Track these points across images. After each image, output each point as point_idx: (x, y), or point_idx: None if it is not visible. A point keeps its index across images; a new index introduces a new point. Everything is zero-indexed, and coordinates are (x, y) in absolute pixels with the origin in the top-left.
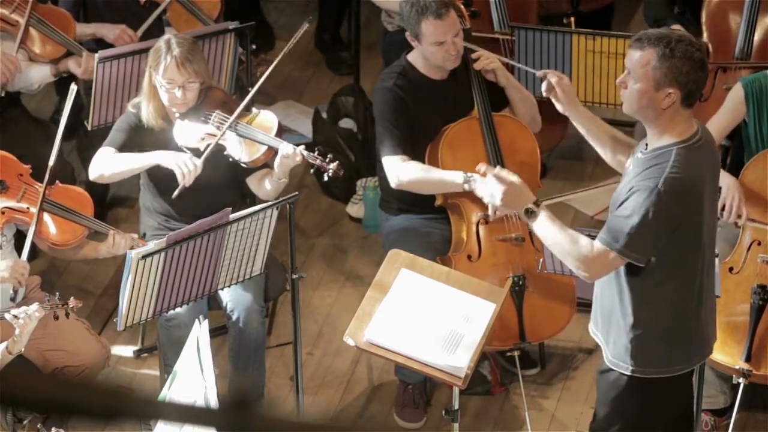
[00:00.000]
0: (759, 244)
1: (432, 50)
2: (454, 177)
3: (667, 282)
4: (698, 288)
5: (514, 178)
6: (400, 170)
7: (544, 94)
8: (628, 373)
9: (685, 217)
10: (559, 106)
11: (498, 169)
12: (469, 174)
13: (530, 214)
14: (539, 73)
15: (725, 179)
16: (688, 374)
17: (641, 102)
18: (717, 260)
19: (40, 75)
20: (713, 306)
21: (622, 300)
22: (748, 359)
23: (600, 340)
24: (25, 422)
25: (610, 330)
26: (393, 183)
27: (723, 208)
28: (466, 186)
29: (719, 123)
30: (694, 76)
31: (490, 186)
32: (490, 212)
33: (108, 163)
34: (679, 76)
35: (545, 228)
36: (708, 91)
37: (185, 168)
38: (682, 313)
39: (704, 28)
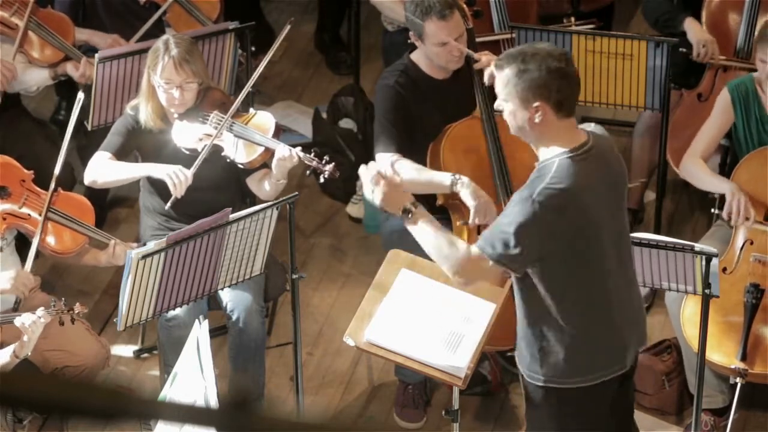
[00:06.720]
0: (752, 243)
1: (435, 51)
2: (442, 178)
3: (563, 293)
4: (602, 298)
5: (396, 179)
6: (390, 167)
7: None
8: (542, 384)
9: (565, 229)
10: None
11: (378, 169)
12: (456, 176)
13: (407, 214)
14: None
15: (726, 185)
16: (607, 383)
17: (516, 122)
18: (716, 260)
19: (38, 78)
20: (632, 313)
21: (526, 312)
22: (743, 358)
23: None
24: (25, 422)
25: (520, 342)
26: None
27: (729, 213)
28: (453, 188)
29: (710, 129)
30: (556, 85)
31: (369, 185)
32: (470, 220)
33: (101, 171)
34: (539, 87)
35: (422, 229)
36: (708, 91)
37: (176, 179)
38: (585, 323)
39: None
